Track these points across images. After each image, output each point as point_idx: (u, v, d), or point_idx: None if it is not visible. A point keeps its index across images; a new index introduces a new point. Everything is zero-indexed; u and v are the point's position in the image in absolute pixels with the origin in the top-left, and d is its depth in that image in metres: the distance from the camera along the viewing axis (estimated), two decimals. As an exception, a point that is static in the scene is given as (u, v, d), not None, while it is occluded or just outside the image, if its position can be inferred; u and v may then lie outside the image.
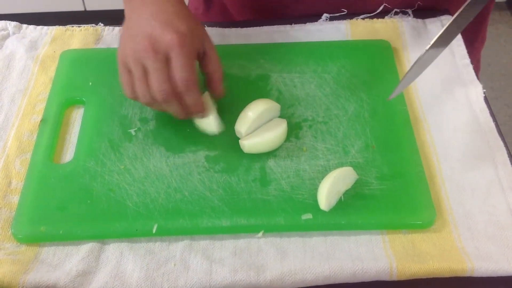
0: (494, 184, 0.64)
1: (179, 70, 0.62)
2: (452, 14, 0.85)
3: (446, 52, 0.79)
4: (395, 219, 0.61)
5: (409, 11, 0.84)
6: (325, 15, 0.85)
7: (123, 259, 0.60)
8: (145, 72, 0.62)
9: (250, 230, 0.61)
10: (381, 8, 0.84)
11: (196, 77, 0.63)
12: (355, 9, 0.85)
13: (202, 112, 0.67)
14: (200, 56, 0.67)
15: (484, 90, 0.74)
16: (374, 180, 0.64)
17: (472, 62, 0.78)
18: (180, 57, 0.61)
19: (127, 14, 0.66)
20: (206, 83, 0.69)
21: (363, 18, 0.84)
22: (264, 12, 0.89)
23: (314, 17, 0.85)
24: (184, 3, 0.67)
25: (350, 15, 0.85)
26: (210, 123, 0.68)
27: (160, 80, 0.62)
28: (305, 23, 0.85)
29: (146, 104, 0.65)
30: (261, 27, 0.84)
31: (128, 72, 0.64)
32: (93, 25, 0.85)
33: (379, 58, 0.78)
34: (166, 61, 0.62)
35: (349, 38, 0.83)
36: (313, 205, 0.62)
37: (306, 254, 0.59)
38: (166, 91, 0.62)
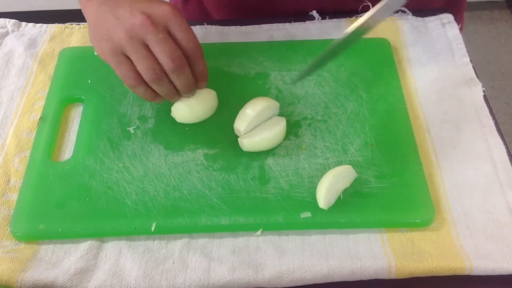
0: (493, 182, 0.64)
1: (187, 40, 0.61)
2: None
3: (445, 50, 0.79)
4: (394, 218, 0.61)
5: (407, 10, 0.84)
6: (315, 13, 0.85)
7: (121, 257, 0.59)
8: (147, 50, 0.60)
9: (248, 228, 0.61)
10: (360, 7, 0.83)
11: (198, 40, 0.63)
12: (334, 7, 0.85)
13: (206, 82, 0.66)
14: None
15: (484, 89, 0.74)
16: (373, 179, 0.64)
17: None
18: (182, 25, 0.60)
19: (93, 12, 0.63)
20: None
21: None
22: (241, 10, 0.89)
23: (298, 15, 0.85)
24: None
25: (343, 14, 0.84)
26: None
27: (170, 48, 0.60)
28: (304, 21, 0.84)
29: (155, 83, 0.62)
30: (260, 25, 0.84)
31: (125, 59, 0.61)
32: (92, 23, 0.85)
33: (379, 57, 0.78)
34: (167, 31, 0.60)
35: (349, 36, 0.82)
36: (312, 204, 0.62)
37: (305, 252, 0.59)
38: (180, 57, 0.60)
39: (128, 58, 0.61)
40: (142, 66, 0.61)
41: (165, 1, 0.62)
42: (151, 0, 0.61)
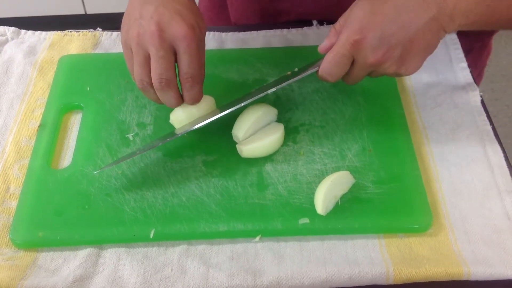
0: (490, 188, 0.64)
1: (187, 65, 0.61)
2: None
3: (443, 55, 0.80)
4: (392, 223, 0.61)
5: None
6: (315, 22, 0.85)
7: (120, 264, 0.60)
8: (146, 58, 0.61)
9: (247, 234, 0.61)
10: None
11: (203, 73, 0.63)
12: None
13: (197, 102, 0.66)
14: None
15: (481, 94, 0.74)
16: (371, 184, 0.64)
17: (477, 70, 0.78)
18: (188, 51, 0.60)
19: None
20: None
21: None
22: (264, 15, 0.89)
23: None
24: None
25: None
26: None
27: (163, 68, 0.60)
28: (302, 27, 0.85)
29: (141, 90, 0.64)
30: (258, 31, 0.85)
31: (130, 54, 0.63)
32: (91, 30, 0.85)
33: (376, 62, 0.78)
34: (171, 50, 0.60)
35: (347, 41, 0.83)
36: (310, 210, 0.62)
37: (303, 258, 0.60)
38: (167, 81, 0.61)
39: (131, 54, 0.63)
40: (135, 72, 0.62)
41: (189, 19, 0.61)
42: (178, 11, 0.61)
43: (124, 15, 0.65)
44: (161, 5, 0.61)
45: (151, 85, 0.62)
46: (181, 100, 0.65)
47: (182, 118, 0.67)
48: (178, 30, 0.59)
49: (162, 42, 0.59)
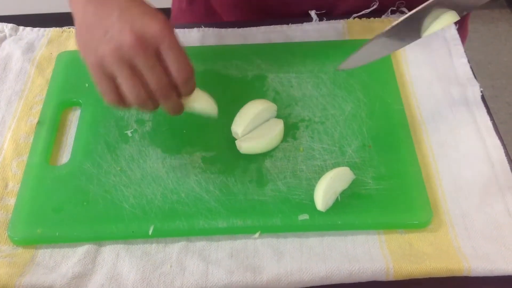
0: (491, 183, 0.64)
1: (177, 60, 0.57)
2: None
3: (443, 51, 0.79)
4: (392, 219, 0.61)
5: (406, 10, 0.84)
6: (313, 13, 0.85)
7: (119, 261, 0.59)
8: (133, 71, 0.56)
9: (246, 231, 0.61)
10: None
11: (191, 64, 0.59)
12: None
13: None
14: None
15: (481, 89, 0.74)
16: (371, 180, 0.64)
17: None
18: (173, 45, 0.56)
19: (80, 12, 0.59)
20: None
21: (359, 17, 0.84)
22: (250, 10, 0.88)
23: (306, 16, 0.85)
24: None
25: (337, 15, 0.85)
26: (206, 104, 0.65)
27: (157, 76, 0.57)
28: (302, 23, 0.84)
29: (138, 106, 0.59)
30: (257, 27, 0.84)
31: (108, 76, 0.57)
32: (90, 26, 0.85)
33: (376, 58, 0.78)
34: (156, 53, 0.56)
35: (347, 37, 0.83)
36: (310, 206, 0.62)
37: (303, 254, 0.59)
38: (166, 86, 0.58)
39: (110, 74, 0.57)
40: (127, 89, 0.58)
41: (158, 14, 0.57)
42: (143, 12, 0.56)
43: (78, 37, 0.60)
44: (123, 13, 0.56)
45: (149, 97, 0.58)
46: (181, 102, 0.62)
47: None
48: (155, 29, 0.55)
49: (146, 49, 0.55)
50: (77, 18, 0.60)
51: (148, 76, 0.57)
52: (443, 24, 0.63)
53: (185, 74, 0.58)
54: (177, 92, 0.60)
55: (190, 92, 0.62)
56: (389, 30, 0.63)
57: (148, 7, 0.58)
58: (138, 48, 0.55)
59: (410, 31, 0.63)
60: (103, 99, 0.60)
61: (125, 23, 0.55)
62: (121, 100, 0.59)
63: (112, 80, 0.58)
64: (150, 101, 0.59)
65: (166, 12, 0.64)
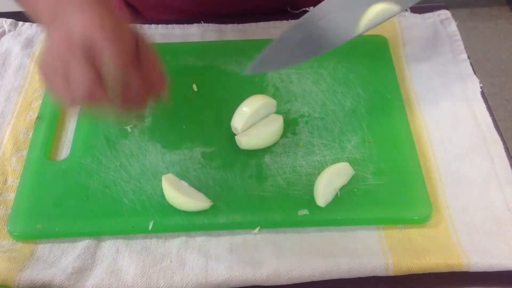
0: (491, 179, 0.64)
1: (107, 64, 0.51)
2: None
3: (443, 47, 0.79)
4: (392, 214, 0.61)
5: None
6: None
7: (119, 256, 0.59)
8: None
9: (246, 226, 0.61)
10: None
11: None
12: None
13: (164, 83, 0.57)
14: None
15: (481, 85, 0.74)
16: (370, 176, 0.64)
17: None
18: (105, 46, 0.51)
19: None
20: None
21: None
22: (168, 10, 0.87)
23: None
24: None
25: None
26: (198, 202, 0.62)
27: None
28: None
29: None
30: (257, 23, 0.84)
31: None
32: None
33: (376, 54, 0.78)
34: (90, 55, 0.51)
35: (346, 33, 0.82)
36: (310, 201, 0.62)
37: (303, 250, 0.59)
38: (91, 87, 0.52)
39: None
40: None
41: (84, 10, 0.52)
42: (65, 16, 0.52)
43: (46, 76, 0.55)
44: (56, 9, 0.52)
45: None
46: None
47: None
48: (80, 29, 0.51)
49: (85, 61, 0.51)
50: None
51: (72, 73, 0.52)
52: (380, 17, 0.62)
53: (123, 69, 0.52)
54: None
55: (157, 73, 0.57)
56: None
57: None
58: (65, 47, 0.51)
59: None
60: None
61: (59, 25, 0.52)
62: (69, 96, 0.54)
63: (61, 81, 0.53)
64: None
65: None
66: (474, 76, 0.75)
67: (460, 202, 0.63)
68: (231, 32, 0.83)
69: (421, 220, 0.61)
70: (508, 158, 0.66)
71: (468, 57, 0.78)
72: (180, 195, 0.60)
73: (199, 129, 0.69)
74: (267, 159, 0.66)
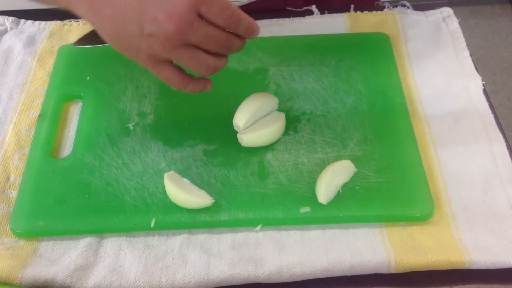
0: (493, 176, 0.64)
1: (220, 15, 0.55)
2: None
3: (445, 44, 0.79)
4: (394, 212, 0.61)
5: (408, 4, 0.84)
6: (314, 8, 0.84)
7: (121, 253, 0.60)
8: (190, 48, 0.56)
9: (248, 224, 0.61)
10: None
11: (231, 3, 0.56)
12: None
13: (256, 34, 0.60)
14: None
15: (483, 83, 0.74)
16: (372, 173, 0.64)
17: None
18: (211, 6, 0.54)
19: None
20: None
21: (361, 11, 0.84)
22: None
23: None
24: None
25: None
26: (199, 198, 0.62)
27: (214, 40, 0.56)
28: (304, 16, 0.84)
29: (210, 74, 0.59)
30: (259, 20, 0.84)
31: (166, 64, 0.58)
32: (91, 19, 0.85)
33: (378, 51, 0.78)
34: (200, 17, 0.54)
35: (349, 31, 0.82)
36: (312, 199, 0.62)
37: (305, 247, 0.59)
38: (227, 39, 0.57)
39: (167, 61, 0.58)
40: (194, 68, 0.58)
41: None
42: None
43: (103, 31, 0.60)
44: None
45: (215, 63, 0.59)
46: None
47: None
48: (184, 2, 0.53)
49: (190, 26, 0.54)
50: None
51: (206, 45, 0.56)
52: None
53: (230, 13, 0.55)
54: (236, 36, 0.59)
55: (244, 24, 0.58)
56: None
57: None
58: (184, 31, 0.54)
59: None
60: (170, 86, 0.60)
61: (151, 7, 0.53)
62: (189, 80, 0.60)
63: (171, 66, 0.58)
64: (219, 65, 0.59)
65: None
66: (476, 73, 0.75)
67: (462, 200, 0.63)
68: (233, 29, 0.83)
69: (423, 218, 0.61)
70: (510, 156, 0.66)
71: (470, 55, 0.78)
72: (182, 193, 0.61)
73: (201, 126, 0.69)
74: (269, 156, 0.66)
